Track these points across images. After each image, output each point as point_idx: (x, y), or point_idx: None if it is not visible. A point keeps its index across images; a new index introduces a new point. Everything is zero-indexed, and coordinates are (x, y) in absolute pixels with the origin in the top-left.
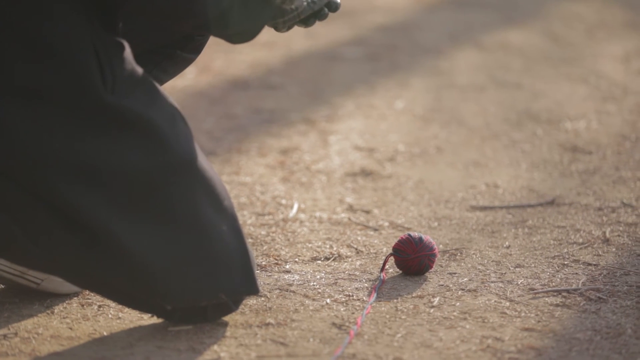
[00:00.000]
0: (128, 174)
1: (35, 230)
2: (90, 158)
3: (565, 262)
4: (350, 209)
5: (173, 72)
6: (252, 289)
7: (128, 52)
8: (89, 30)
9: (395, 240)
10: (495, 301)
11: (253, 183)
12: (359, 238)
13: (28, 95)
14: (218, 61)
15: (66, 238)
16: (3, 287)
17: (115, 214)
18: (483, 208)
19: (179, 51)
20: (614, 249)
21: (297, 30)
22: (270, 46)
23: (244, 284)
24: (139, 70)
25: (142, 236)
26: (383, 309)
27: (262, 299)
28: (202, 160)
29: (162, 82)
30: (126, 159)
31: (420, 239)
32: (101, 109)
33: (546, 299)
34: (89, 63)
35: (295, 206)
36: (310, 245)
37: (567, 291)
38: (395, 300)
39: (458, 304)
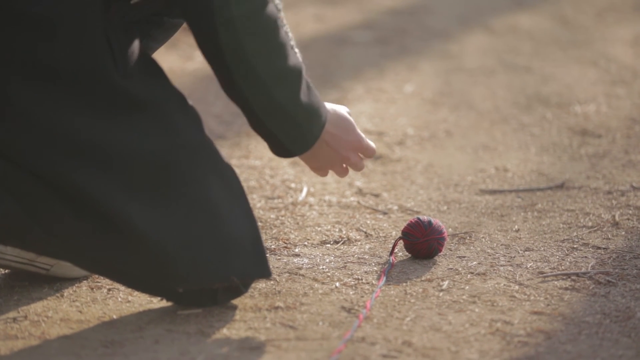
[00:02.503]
0: (140, 156)
1: (46, 217)
2: (102, 140)
3: (575, 246)
4: (360, 192)
5: (162, 39)
6: (264, 272)
7: (136, 37)
8: (100, 15)
9: (405, 224)
10: (504, 285)
11: (262, 167)
12: (368, 222)
13: (40, 77)
14: None
15: (77, 223)
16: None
17: (126, 196)
18: (492, 192)
19: (166, 18)
20: (623, 233)
21: (306, 14)
22: None
23: (255, 267)
24: (148, 56)
25: (154, 218)
26: (392, 292)
27: (272, 282)
28: (212, 144)
29: (153, 50)
30: (138, 142)
31: (430, 222)
32: (113, 92)
33: (555, 282)
34: (102, 47)
35: (305, 190)
36: (319, 228)
37: (577, 275)
38: (404, 284)
39: (467, 287)
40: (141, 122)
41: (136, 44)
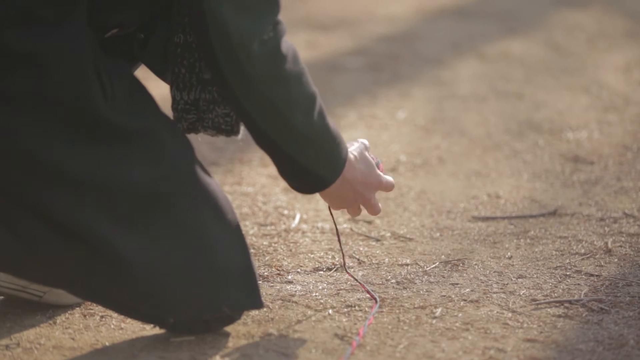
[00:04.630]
0: (127, 187)
1: (37, 244)
2: (91, 171)
3: (568, 273)
4: (353, 219)
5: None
6: (256, 303)
7: (127, 67)
8: (89, 44)
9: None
10: (497, 312)
11: (255, 193)
12: (361, 249)
13: (29, 105)
14: None
15: (68, 251)
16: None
17: (116, 227)
18: (485, 218)
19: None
20: (616, 260)
21: (298, 40)
22: None
23: (247, 297)
24: (137, 83)
25: (143, 249)
26: (385, 319)
27: (265, 309)
28: (204, 172)
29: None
30: (127, 172)
31: None
32: (101, 122)
33: (548, 309)
34: (90, 77)
35: (298, 217)
36: (312, 255)
37: (570, 302)
38: (397, 311)
39: (460, 314)
40: (130, 152)
41: (125, 70)
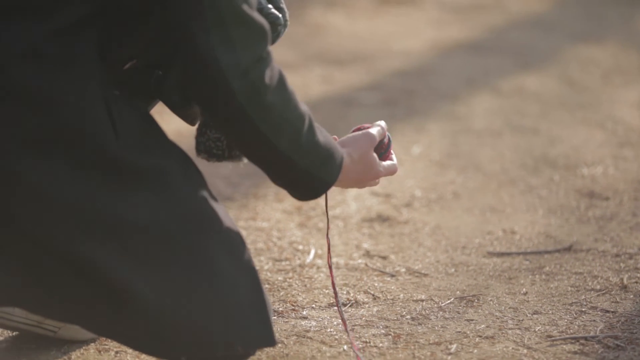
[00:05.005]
0: (142, 227)
1: (51, 281)
2: (103, 211)
3: (583, 309)
4: (367, 254)
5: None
6: (269, 341)
7: (137, 102)
8: (101, 82)
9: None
10: (512, 348)
11: (270, 228)
12: (376, 284)
13: (41, 148)
14: None
15: (81, 290)
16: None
17: (129, 266)
18: (500, 254)
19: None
20: (631, 296)
21: (313, 75)
22: None
23: (260, 335)
24: (150, 119)
25: (156, 288)
26: (400, 355)
27: (279, 345)
28: (218, 208)
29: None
30: (140, 212)
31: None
32: (112, 162)
33: (564, 346)
34: (101, 116)
35: (312, 252)
36: (327, 291)
37: (585, 338)
38: (412, 347)
39: (475, 351)
40: (143, 192)
41: (136, 107)
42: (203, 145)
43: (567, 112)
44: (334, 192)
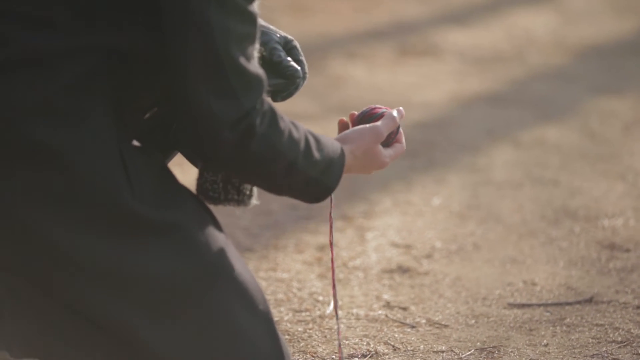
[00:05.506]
0: (158, 282)
1: (64, 334)
2: (117, 264)
3: None
4: (387, 305)
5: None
6: None
7: (155, 155)
8: (115, 134)
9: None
10: None
11: (290, 279)
12: (396, 335)
13: (54, 202)
14: None
15: (95, 343)
16: None
17: (144, 321)
18: (521, 305)
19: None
20: None
21: (334, 126)
22: None
23: None
24: (167, 171)
25: (172, 343)
26: None
27: None
28: (235, 261)
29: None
30: (156, 267)
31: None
32: (128, 215)
33: None
34: (115, 171)
35: (332, 303)
36: (347, 342)
37: None
38: None
39: None
40: (160, 246)
41: (153, 160)
42: (201, 188)
43: (588, 164)
44: (353, 243)
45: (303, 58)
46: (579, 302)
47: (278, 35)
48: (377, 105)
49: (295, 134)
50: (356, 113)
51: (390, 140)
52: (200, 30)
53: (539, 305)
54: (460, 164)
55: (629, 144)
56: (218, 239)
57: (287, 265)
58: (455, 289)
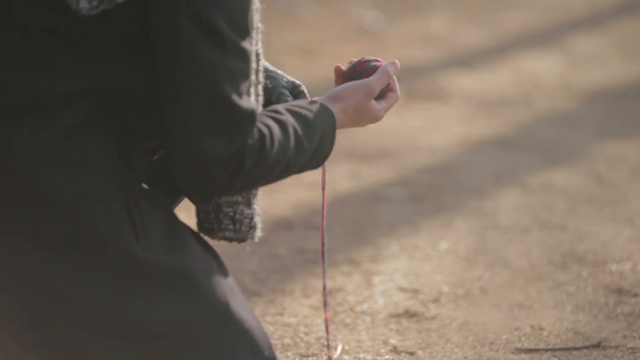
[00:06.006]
0: (164, 329)
1: None
2: (122, 314)
3: None
4: (395, 350)
5: None
6: None
7: (160, 199)
8: (120, 181)
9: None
10: None
11: (297, 324)
12: None
13: (59, 250)
14: (262, 201)
15: None
16: None
17: None
18: (528, 350)
19: None
20: None
21: (341, 170)
22: (314, 186)
23: None
24: (172, 217)
25: None
26: None
27: None
28: (241, 307)
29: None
30: (162, 314)
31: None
32: (133, 264)
33: None
34: (121, 218)
35: (339, 348)
36: None
37: None
38: None
39: None
40: (166, 294)
41: (159, 205)
42: (197, 220)
43: (595, 208)
44: (360, 287)
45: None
46: (586, 347)
47: (285, 80)
48: (368, 58)
49: (283, 141)
50: (343, 68)
51: (383, 92)
52: (192, 68)
53: (547, 350)
54: (467, 208)
55: (636, 188)
56: (224, 285)
57: (294, 310)
58: (462, 334)
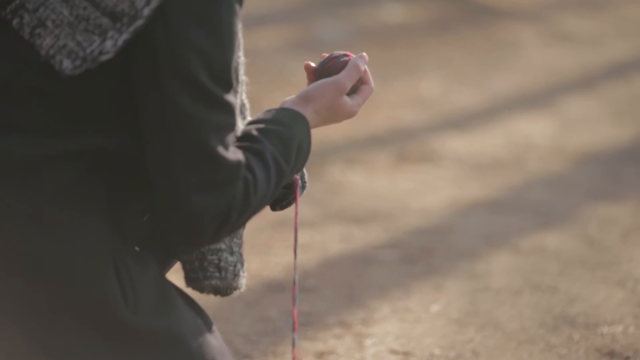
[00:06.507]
0: None
1: None
2: None
3: None
4: None
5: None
6: None
7: (150, 261)
8: (109, 243)
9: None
10: None
11: None
12: None
13: (51, 315)
14: (253, 263)
15: None
16: None
17: None
18: None
19: None
20: None
21: (332, 232)
22: (305, 248)
23: None
24: (162, 280)
25: None
26: None
27: None
28: None
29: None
30: None
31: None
32: (122, 328)
33: None
34: (109, 282)
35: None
36: None
37: None
38: None
39: None
40: (152, 358)
41: (149, 268)
42: (183, 272)
43: (587, 270)
44: (352, 350)
45: (303, 167)
46: None
47: None
48: (337, 53)
49: (265, 179)
50: (312, 65)
51: (356, 86)
52: (177, 123)
53: None
54: (458, 270)
55: (628, 250)
56: (214, 348)
57: None
58: None
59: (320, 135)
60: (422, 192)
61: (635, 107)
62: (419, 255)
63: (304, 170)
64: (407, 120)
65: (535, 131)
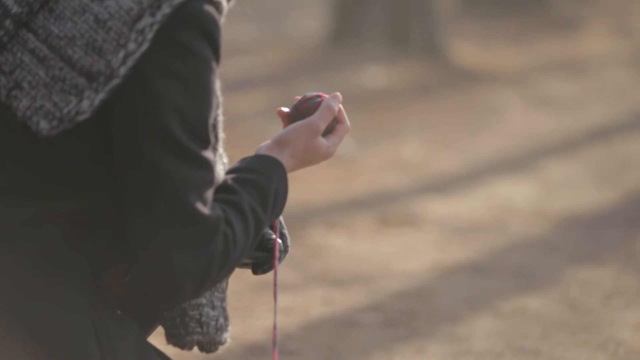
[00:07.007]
0: None
1: None
2: None
3: None
4: None
5: None
6: None
7: (130, 324)
8: (89, 307)
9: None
10: None
11: None
12: None
13: None
14: (234, 326)
15: None
16: None
17: None
18: None
19: None
20: None
21: (314, 295)
22: (287, 311)
23: None
24: (142, 343)
25: None
26: None
27: None
28: None
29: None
30: None
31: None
32: None
33: None
34: (89, 347)
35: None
36: None
37: None
38: None
39: None
40: None
41: (129, 331)
42: (164, 330)
43: (569, 334)
44: None
45: (286, 231)
46: None
47: None
48: (310, 94)
49: (244, 232)
50: (286, 110)
51: (331, 126)
52: (156, 182)
53: None
54: (440, 333)
55: (609, 313)
56: None
57: None
58: None
59: (301, 198)
60: (403, 255)
61: (617, 171)
62: (401, 318)
63: (286, 233)
64: (388, 183)
65: (517, 195)
